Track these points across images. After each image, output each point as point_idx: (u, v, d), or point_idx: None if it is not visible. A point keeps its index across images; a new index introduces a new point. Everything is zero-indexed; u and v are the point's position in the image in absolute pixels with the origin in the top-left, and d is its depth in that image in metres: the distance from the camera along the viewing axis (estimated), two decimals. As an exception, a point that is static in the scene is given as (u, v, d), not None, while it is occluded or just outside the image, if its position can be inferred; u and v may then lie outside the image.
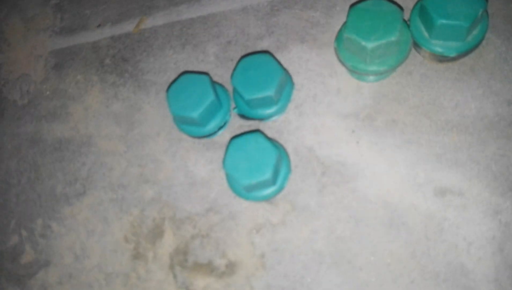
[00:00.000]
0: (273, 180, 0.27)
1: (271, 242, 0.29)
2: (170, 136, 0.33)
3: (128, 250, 0.32)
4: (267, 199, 0.29)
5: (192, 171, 0.32)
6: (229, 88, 0.32)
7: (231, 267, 0.29)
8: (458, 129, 0.28)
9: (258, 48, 0.34)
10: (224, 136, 0.32)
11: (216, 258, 0.29)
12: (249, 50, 0.34)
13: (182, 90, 0.29)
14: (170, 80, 0.35)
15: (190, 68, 0.35)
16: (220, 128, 0.31)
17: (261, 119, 0.31)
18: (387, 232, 0.27)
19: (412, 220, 0.27)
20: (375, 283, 0.26)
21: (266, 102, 0.29)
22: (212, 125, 0.31)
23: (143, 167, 0.33)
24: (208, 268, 0.29)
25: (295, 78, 0.32)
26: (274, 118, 0.31)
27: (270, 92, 0.28)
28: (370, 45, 0.27)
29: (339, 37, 0.30)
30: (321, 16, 0.33)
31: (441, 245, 0.26)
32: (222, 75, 0.34)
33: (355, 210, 0.28)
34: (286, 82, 0.30)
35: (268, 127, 0.31)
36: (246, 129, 0.32)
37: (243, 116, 0.31)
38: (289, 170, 0.29)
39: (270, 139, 0.28)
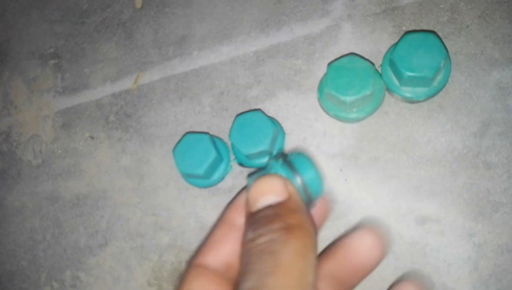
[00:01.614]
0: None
1: (279, 276, 0.33)
2: (178, 185, 0.37)
3: (152, 293, 0.36)
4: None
5: (201, 216, 0.36)
6: (226, 136, 0.36)
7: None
8: (432, 163, 0.32)
9: (248, 97, 0.37)
10: (226, 182, 0.35)
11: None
12: (241, 100, 0.37)
13: (187, 149, 0.33)
14: (172, 132, 0.38)
15: (189, 120, 0.38)
16: (223, 177, 0.35)
17: (259, 167, 0.34)
18: (379, 260, 0.31)
19: (398, 248, 0.31)
20: (371, 305, 0.30)
21: (262, 154, 0.33)
22: (215, 177, 0.34)
23: (156, 216, 0.37)
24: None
25: (285, 124, 0.36)
26: (270, 163, 0.35)
27: (265, 147, 0.32)
28: (348, 99, 0.30)
29: (320, 89, 0.33)
30: (302, 63, 0.37)
31: (425, 268, 0.30)
32: (218, 124, 0.37)
33: (349, 242, 0.32)
34: (278, 133, 0.34)
35: (265, 172, 0.35)
36: (246, 174, 0.35)
37: (242, 165, 0.35)
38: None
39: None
